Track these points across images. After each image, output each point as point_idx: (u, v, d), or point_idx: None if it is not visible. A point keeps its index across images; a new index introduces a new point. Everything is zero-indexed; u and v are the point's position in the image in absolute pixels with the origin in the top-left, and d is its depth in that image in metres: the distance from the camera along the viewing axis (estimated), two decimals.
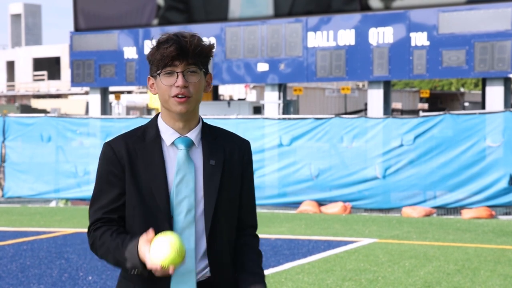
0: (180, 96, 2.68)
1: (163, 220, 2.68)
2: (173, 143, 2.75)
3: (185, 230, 2.70)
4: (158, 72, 2.71)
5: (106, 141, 2.81)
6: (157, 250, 2.53)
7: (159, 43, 2.71)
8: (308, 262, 9.60)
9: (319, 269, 9.11)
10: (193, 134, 2.77)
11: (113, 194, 2.74)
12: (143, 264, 2.58)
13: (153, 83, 2.77)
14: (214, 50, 2.77)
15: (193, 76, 2.71)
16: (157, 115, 2.82)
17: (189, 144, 2.75)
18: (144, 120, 17.20)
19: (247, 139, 2.94)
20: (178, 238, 2.55)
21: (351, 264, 9.44)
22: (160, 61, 2.69)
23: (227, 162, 2.79)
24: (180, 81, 2.68)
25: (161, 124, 2.78)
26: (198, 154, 2.77)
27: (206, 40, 2.77)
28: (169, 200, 2.70)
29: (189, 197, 2.71)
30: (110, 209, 2.73)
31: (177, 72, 2.69)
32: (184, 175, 2.72)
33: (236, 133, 2.92)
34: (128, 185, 2.72)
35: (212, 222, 2.73)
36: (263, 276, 2.84)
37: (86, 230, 12.77)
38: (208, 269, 2.74)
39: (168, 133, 2.75)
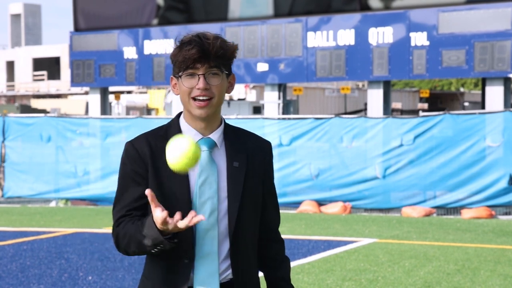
0: (201, 98, 2.68)
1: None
2: None
3: (208, 231, 2.69)
4: (180, 74, 2.70)
5: (128, 140, 2.80)
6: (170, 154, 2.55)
7: (182, 44, 2.69)
8: (308, 262, 9.60)
9: (319, 269, 9.11)
10: (216, 135, 2.76)
11: (137, 193, 2.72)
12: (163, 234, 2.56)
13: (175, 83, 2.77)
14: (237, 51, 2.76)
15: (214, 78, 2.69)
16: (178, 115, 2.81)
17: (212, 146, 2.74)
18: (144, 120, 17.21)
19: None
20: (191, 143, 2.56)
21: (351, 264, 9.44)
22: (182, 63, 2.67)
23: (250, 163, 2.78)
24: (201, 83, 2.67)
25: (183, 124, 2.77)
26: (220, 156, 2.76)
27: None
28: (190, 201, 2.69)
29: (212, 198, 2.70)
30: (134, 207, 2.72)
31: (198, 75, 2.68)
32: (207, 177, 2.70)
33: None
34: (151, 185, 2.71)
35: (236, 224, 2.72)
36: None
37: (86, 230, 12.74)
38: (230, 270, 2.74)
39: (190, 133, 2.74)
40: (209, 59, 2.66)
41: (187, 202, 2.68)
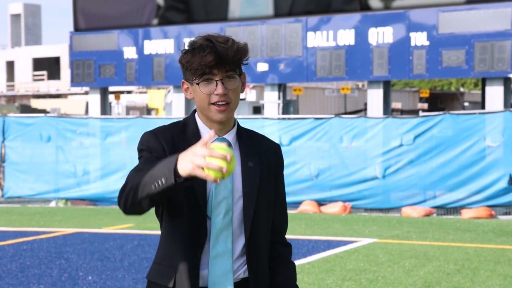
0: (220, 103, 2.67)
1: (201, 219, 2.68)
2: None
3: (222, 231, 2.70)
4: (196, 81, 2.68)
5: (147, 131, 2.75)
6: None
7: (194, 49, 2.66)
8: (308, 262, 9.60)
9: (319, 269, 9.12)
10: (230, 136, 2.77)
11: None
12: (176, 172, 2.38)
13: (188, 87, 2.75)
14: (249, 50, 2.75)
15: (231, 82, 2.69)
16: (194, 112, 2.80)
17: None
18: (144, 120, 17.21)
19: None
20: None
21: (351, 264, 9.44)
22: (198, 69, 2.65)
23: (264, 164, 2.80)
24: (219, 89, 2.65)
25: (200, 123, 2.77)
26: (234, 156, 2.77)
27: (240, 41, 2.72)
28: (206, 194, 2.69)
29: (227, 198, 2.71)
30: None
31: (216, 80, 2.66)
32: None
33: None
34: None
35: (252, 223, 2.74)
36: None
37: (85, 230, 12.68)
38: (243, 269, 2.76)
39: (206, 133, 2.74)
40: (226, 64, 2.65)
41: (203, 195, 2.68)
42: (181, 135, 2.74)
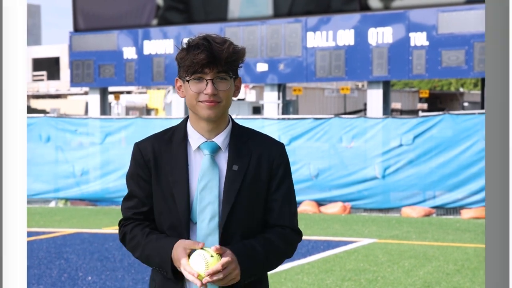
0: (208, 102, 2.66)
1: (184, 227, 2.69)
2: (198, 148, 2.72)
3: (208, 237, 2.67)
4: (187, 78, 2.67)
5: (137, 141, 2.82)
6: (194, 263, 2.58)
7: (189, 47, 2.66)
8: (307, 262, 9.60)
9: (319, 269, 9.12)
10: (220, 139, 2.73)
11: (141, 196, 2.77)
12: (171, 266, 2.62)
13: (180, 85, 2.74)
14: (245, 55, 2.74)
15: (222, 83, 2.67)
16: (187, 118, 2.80)
17: (215, 149, 2.71)
18: (144, 120, 17.20)
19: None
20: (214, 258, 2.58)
21: (350, 264, 9.44)
22: (189, 67, 2.64)
23: (252, 167, 2.73)
24: (209, 89, 2.64)
25: (189, 127, 2.75)
26: (224, 159, 2.73)
27: (237, 44, 2.72)
28: (189, 207, 2.68)
29: (212, 203, 2.67)
30: (137, 212, 2.77)
31: (206, 80, 2.65)
32: (208, 181, 2.68)
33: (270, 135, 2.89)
34: (154, 188, 2.73)
35: (224, 229, 2.68)
36: (248, 250, 2.69)
37: (85, 230, 12.72)
38: None
39: (194, 137, 2.72)
40: (218, 64, 2.63)
41: (185, 208, 2.68)
42: (166, 145, 2.74)
